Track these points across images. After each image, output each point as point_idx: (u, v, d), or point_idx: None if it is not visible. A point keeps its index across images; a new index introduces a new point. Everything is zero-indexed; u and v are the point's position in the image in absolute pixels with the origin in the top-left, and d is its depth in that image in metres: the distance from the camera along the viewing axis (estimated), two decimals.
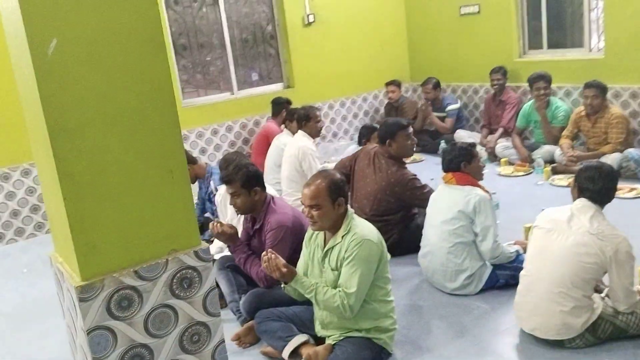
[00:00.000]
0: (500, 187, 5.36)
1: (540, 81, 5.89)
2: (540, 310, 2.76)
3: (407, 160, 6.63)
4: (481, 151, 6.31)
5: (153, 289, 1.80)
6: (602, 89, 5.39)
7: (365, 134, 5.01)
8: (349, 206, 2.85)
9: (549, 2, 6.57)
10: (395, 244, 4.12)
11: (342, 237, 2.76)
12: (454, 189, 3.55)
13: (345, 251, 2.72)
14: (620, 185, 4.75)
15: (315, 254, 2.91)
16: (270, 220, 3.24)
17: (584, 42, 6.32)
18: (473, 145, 3.71)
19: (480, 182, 3.65)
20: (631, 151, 5.22)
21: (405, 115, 7.50)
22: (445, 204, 3.55)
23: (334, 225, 2.79)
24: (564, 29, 6.74)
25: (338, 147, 7.19)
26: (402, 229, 4.18)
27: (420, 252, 3.75)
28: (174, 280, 1.84)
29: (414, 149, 4.43)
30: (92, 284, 1.71)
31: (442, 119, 7.05)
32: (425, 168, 6.52)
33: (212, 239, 3.89)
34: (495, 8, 6.90)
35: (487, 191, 3.60)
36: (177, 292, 1.86)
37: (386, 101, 7.86)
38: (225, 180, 3.30)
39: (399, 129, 4.19)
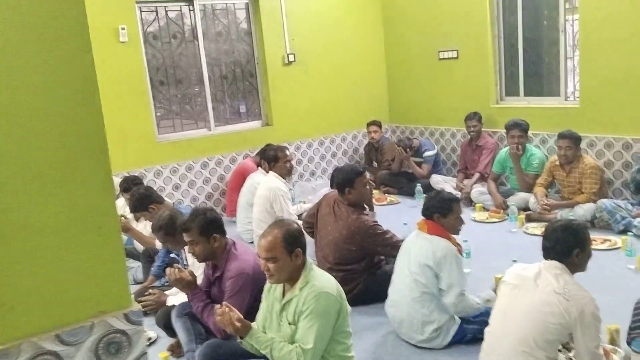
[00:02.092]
0: (474, 233, 5.30)
1: (516, 129, 5.90)
2: None
3: (384, 202, 6.75)
4: (456, 195, 6.27)
5: (76, 355, 1.66)
6: (575, 140, 5.40)
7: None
8: (307, 257, 2.76)
9: (526, 49, 6.65)
10: (361, 293, 4.04)
11: (300, 289, 2.65)
12: (423, 238, 3.49)
13: (303, 304, 2.61)
14: (593, 236, 4.76)
15: (274, 306, 2.79)
16: (231, 268, 3.13)
17: (560, 91, 6.38)
18: (456, 200, 3.60)
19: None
20: (604, 202, 5.20)
21: (385, 157, 7.51)
22: (413, 253, 3.49)
23: (291, 277, 2.69)
24: (541, 77, 6.81)
25: (316, 186, 7.12)
26: (367, 278, 4.08)
27: (387, 300, 3.66)
28: (100, 345, 1.70)
29: (371, 195, 4.39)
30: (7, 349, 1.57)
31: (419, 164, 7.03)
32: (401, 210, 6.48)
33: (167, 284, 3.78)
34: (473, 54, 6.97)
35: (457, 244, 3.54)
36: (103, 358, 1.72)
37: (366, 141, 7.85)
38: (182, 228, 3.20)
39: (356, 176, 4.14)
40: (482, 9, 6.75)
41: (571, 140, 5.38)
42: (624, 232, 4.87)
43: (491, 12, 6.76)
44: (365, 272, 4.09)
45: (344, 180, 4.15)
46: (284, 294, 2.75)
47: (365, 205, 4.30)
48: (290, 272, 2.67)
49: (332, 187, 4.87)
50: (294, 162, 6.21)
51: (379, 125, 7.58)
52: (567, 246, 2.68)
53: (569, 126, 6.00)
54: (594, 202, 5.29)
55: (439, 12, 7.26)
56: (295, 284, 2.69)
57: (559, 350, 2.68)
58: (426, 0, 7.42)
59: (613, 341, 3.14)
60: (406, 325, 3.47)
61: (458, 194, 6.35)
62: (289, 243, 2.64)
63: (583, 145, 5.94)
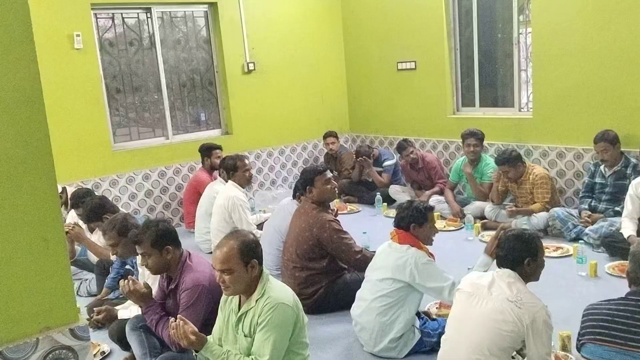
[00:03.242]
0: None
1: (472, 138, 6.01)
2: None
3: (344, 210, 6.77)
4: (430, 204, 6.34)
5: None
6: (512, 161, 5.47)
7: (300, 187, 4.93)
8: (264, 267, 2.74)
9: (482, 61, 6.80)
10: (321, 299, 4.06)
11: (256, 301, 2.63)
12: (393, 248, 3.50)
13: (259, 316, 2.59)
14: (546, 244, 4.87)
15: (230, 318, 2.76)
16: (186, 279, 3.07)
17: (514, 102, 6.54)
18: (431, 209, 3.62)
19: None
20: (557, 210, 5.33)
21: (344, 166, 7.55)
22: (383, 262, 3.51)
23: (247, 288, 2.66)
24: (496, 88, 6.97)
25: (276, 195, 7.11)
26: (328, 284, 4.10)
27: (354, 304, 3.65)
28: None
29: (336, 193, 4.47)
30: None
31: (379, 173, 7.09)
32: (361, 219, 6.52)
33: (121, 296, 3.70)
34: (431, 65, 7.08)
35: (430, 254, 3.54)
36: None
37: (325, 151, 7.88)
38: (134, 240, 3.13)
39: (316, 174, 4.23)
40: (439, 22, 6.88)
41: (507, 165, 5.47)
42: (575, 239, 5.00)
43: (448, 25, 6.89)
44: (327, 275, 4.10)
45: (305, 180, 4.27)
46: (240, 306, 2.72)
47: (329, 206, 4.38)
48: (247, 284, 2.65)
49: (294, 196, 4.89)
50: (253, 171, 6.19)
51: (336, 136, 7.63)
52: (519, 255, 2.73)
53: (523, 137, 6.18)
54: (547, 210, 5.42)
55: (397, 24, 7.36)
56: (251, 295, 2.66)
57: (512, 357, 2.72)
58: (385, 12, 7.52)
59: (565, 347, 3.21)
60: (367, 332, 3.48)
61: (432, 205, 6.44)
62: (244, 254, 2.61)
63: (536, 155, 6.12)
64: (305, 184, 4.26)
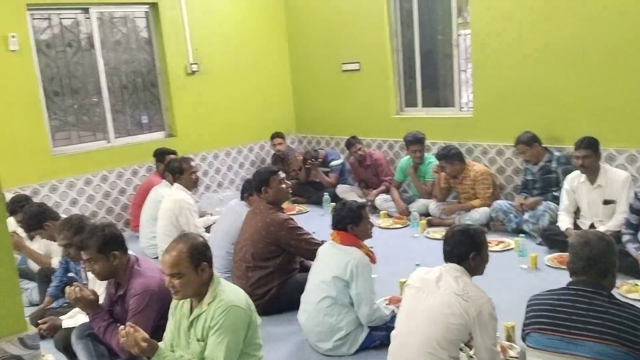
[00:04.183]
0: (378, 240, 5.43)
1: (416, 144, 6.16)
2: None
3: (293, 211, 6.78)
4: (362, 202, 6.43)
5: None
6: (450, 157, 5.68)
7: (248, 188, 4.92)
8: (214, 270, 2.72)
9: (423, 62, 6.95)
10: (274, 300, 4.08)
11: (208, 304, 2.61)
12: (336, 249, 3.56)
13: (211, 320, 2.57)
14: (488, 239, 5.03)
15: (181, 323, 2.73)
16: (134, 285, 3.01)
17: (455, 102, 6.72)
18: (363, 206, 3.72)
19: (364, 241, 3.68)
20: (499, 202, 5.56)
21: (292, 167, 7.56)
22: (326, 263, 3.56)
23: (198, 292, 2.63)
24: (437, 89, 7.15)
25: (223, 198, 7.03)
26: (280, 284, 4.12)
27: (300, 309, 3.69)
28: None
29: (289, 193, 4.54)
30: None
31: (326, 173, 7.14)
32: (310, 219, 6.54)
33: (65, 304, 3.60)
34: (374, 66, 7.19)
35: (370, 252, 3.64)
36: None
37: (272, 152, 7.87)
38: (78, 246, 3.05)
39: (270, 174, 4.28)
40: (382, 23, 6.99)
41: (446, 161, 5.71)
42: (517, 232, 5.19)
43: (390, 26, 7.01)
44: (280, 275, 4.12)
45: (260, 180, 4.28)
46: (191, 310, 2.69)
47: (282, 205, 4.42)
48: (197, 288, 2.62)
49: (242, 198, 4.87)
50: (199, 174, 6.12)
51: (282, 136, 7.64)
52: (464, 249, 2.82)
53: (464, 135, 6.36)
54: (489, 206, 5.62)
55: (341, 25, 7.43)
56: (202, 299, 2.64)
57: (460, 349, 2.81)
58: (329, 14, 7.58)
59: (509, 338, 3.33)
60: (315, 333, 3.52)
61: (363, 201, 6.53)
62: (194, 257, 2.58)
63: (477, 152, 6.32)
64: (260, 184, 4.27)
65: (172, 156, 6.14)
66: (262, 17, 7.93)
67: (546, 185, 5.37)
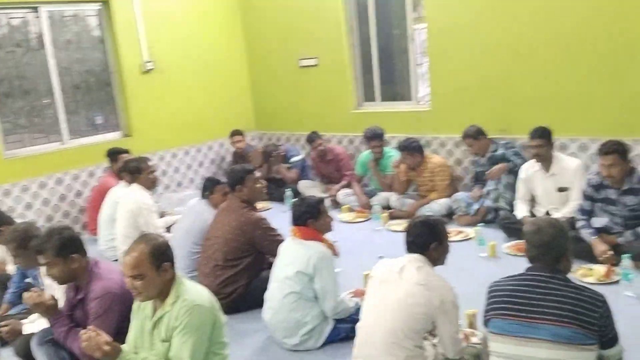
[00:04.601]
0: (341, 234, 5.47)
1: (375, 140, 6.22)
2: None
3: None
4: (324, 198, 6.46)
5: None
6: (411, 149, 5.79)
7: (208, 187, 4.88)
8: (177, 270, 2.69)
9: (380, 57, 7.01)
10: (240, 298, 4.06)
11: (172, 304, 2.57)
12: (298, 244, 3.57)
13: (175, 320, 2.54)
14: (448, 229, 5.12)
15: (145, 325, 2.69)
16: (95, 288, 2.95)
17: (412, 95, 6.81)
18: (321, 201, 3.75)
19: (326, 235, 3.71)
20: (459, 194, 5.68)
21: (252, 164, 7.49)
22: (288, 260, 3.56)
23: (161, 293, 2.60)
24: (394, 83, 7.22)
25: (183, 197, 6.94)
26: (247, 283, 4.10)
27: (264, 307, 3.68)
28: None
29: (264, 192, 4.57)
30: None
31: (288, 169, 7.14)
32: (272, 216, 6.48)
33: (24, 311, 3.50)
34: (332, 62, 7.21)
35: (331, 245, 3.67)
36: None
37: (233, 150, 7.80)
38: (36, 250, 2.97)
39: (246, 173, 4.27)
40: (338, 19, 7.02)
41: (407, 152, 5.80)
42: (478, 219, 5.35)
43: (347, 22, 7.04)
44: (248, 274, 4.11)
45: (235, 178, 4.27)
46: (154, 311, 2.66)
47: (255, 205, 4.41)
48: (160, 288, 2.59)
49: (203, 197, 4.82)
50: (158, 173, 6.03)
51: (242, 134, 7.59)
52: (425, 240, 2.87)
53: (422, 129, 6.45)
54: (448, 197, 5.73)
55: (298, 21, 7.42)
56: (165, 299, 2.60)
57: (424, 338, 2.85)
58: (285, 9, 7.55)
59: (472, 325, 3.40)
60: (281, 330, 3.52)
61: (325, 196, 6.56)
62: (155, 258, 2.55)
63: (435, 145, 6.41)
64: (235, 182, 4.26)
65: (125, 155, 6.03)
66: (218, 13, 7.86)
67: None
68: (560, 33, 5.32)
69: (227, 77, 8.00)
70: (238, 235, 4.09)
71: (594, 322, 2.23)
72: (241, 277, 4.09)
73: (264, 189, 4.49)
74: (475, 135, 5.57)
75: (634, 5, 4.90)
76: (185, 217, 4.88)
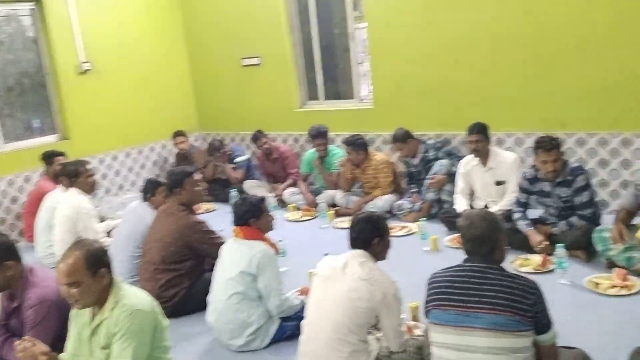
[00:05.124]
0: (288, 233, 5.50)
1: (319, 138, 6.25)
2: (322, 359, 2.80)
3: (199, 210, 6.66)
4: (269, 198, 6.44)
5: None
6: (357, 146, 5.83)
7: (150, 189, 4.79)
8: (117, 275, 2.63)
9: (323, 56, 7.05)
10: (183, 301, 4.01)
11: (111, 310, 2.51)
12: (240, 244, 3.55)
13: (115, 326, 2.48)
14: (392, 225, 5.20)
15: (83, 332, 2.61)
16: (31, 296, 2.85)
17: (355, 94, 6.88)
18: (262, 200, 3.76)
19: (268, 234, 3.71)
20: (401, 201, 5.75)
21: (196, 164, 7.40)
22: (231, 260, 3.54)
23: (98, 299, 2.53)
24: (337, 82, 7.28)
25: (125, 201, 6.78)
26: (190, 285, 4.05)
27: (208, 309, 3.64)
28: None
29: (204, 194, 4.55)
30: None
31: (233, 169, 7.08)
32: (217, 217, 6.45)
33: None
34: (275, 60, 7.20)
35: (273, 244, 3.67)
36: None
37: (176, 151, 7.68)
38: None
39: (185, 176, 4.21)
40: (280, 18, 7.02)
41: (352, 147, 5.85)
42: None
43: (288, 21, 7.05)
44: (189, 276, 4.06)
45: (174, 181, 4.20)
46: (93, 317, 2.59)
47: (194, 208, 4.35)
48: (97, 295, 2.52)
49: (144, 199, 4.72)
50: (97, 177, 5.87)
51: (185, 135, 7.48)
52: (368, 235, 2.92)
53: (365, 126, 6.53)
54: (392, 193, 5.82)
55: (240, 21, 7.37)
56: (104, 305, 2.54)
57: (369, 332, 2.89)
58: (227, 9, 7.49)
59: (415, 317, 3.47)
60: (226, 332, 3.50)
61: (271, 196, 6.56)
62: (91, 264, 2.47)
63: (378, 142, 6.51)
64: (174, 185, 4.19)
65: (60, 158, 5.84)
66: (158, 13, 7.73)
67: (428, 175, 5.60)
68: (495, 33, 5.49)
69: (168, 77, 7.87)
70: (176, 240, 4.02)
71: (528, 308, 2.31)
72: (183, 280, 4.04)
73: (204, 192, 4.45)
74: (403, 139, 5.65)
75: (561, 10, 5.12)
76: (125, 220, 4.78)
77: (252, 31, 7.29)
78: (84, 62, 6.87)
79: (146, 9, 7.59)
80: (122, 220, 4.91)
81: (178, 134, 7.44)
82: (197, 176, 4.31)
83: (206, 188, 4.44)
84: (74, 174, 5.00)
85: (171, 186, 4.22)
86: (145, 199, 4.73)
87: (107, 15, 7.14)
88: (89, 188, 5.09)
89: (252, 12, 7.24)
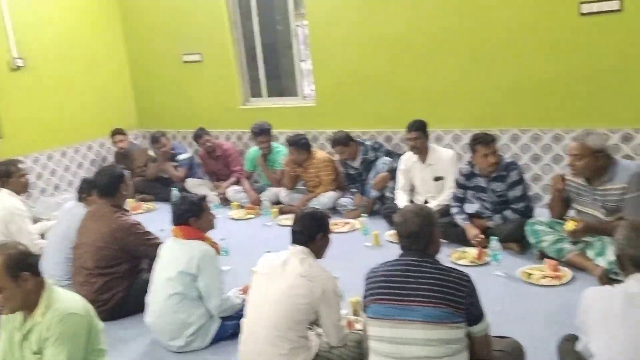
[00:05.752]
0: (231, 231, 5.48)
1: (262, 135, 6.21)
2: (262, 357, 2.80)
3: (140, 210, 6.53)
4: (213, 196, 6.39)
5: None
6: (299, 146, 5.84)
7: (85, 189, 4.64)
8: (45, 278, 2.54)
9: (265, 53, 7.02)
10: (121, 302, 3.92)
11: (42, 315, 2.43)
12: (180, 244, 3.50)
13: (47, 330, 2.40)
14: (336, 221, 5.25)
15: (14, 337, 2.52)
16: None
17: (298, 91, 6.89)
18: (203, 198, 3.71)
19: (209, 233, 3.67)
20: (343, 199, 5.78)
21: (137, 164, 7.26)
22: (170, 260, 3.48)
23: (26, 304, 2.45)
24: (280, 79, 7.27)
25: (61, 201, 6.56)
26: (127, 286, 3.96)
27: (147, 310, 3.58)
28: None
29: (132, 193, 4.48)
30: None
31: (175, 167, 6.97)
32: (158, 217, 6.33)
33: None
34: (216, 57, 7.13)
35: (214, 243, 3.64)
36: None
37: (115, 149, 7.48)
38: None
39: (121, 181, 4.12)
40: (221, 14, 6.95)
41: (294, 147, 5.85)
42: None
43: (229, 17, 6.99)
44: (126, 279, 3.96)
45: (108, 185, 4.07)
46: (24, 322, 2.50)
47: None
48: (22, 300, 2.43)
49: (79, 199, 4.59)
50: (32, 177, 5.66)
51: (124, 133, 7.29)
52: (312, 231, 2.95)
53: (308, 124, 6.55)
54: (334, 190, 5.87)
55: (180, 16, 7.25)
56: (34, 309, 2.46)
57: (309, 329, 2.91)
58: (167, 4, 7.35)
59: (356, 312, 3.51)
60: (165, 333, 3.45)
61: (214, 194, 6.50)
62: (11, 268, 2.38)
63: (322, 140, 6.55)
64: (109, 190, 4.06)
65: None
66: (93, 7, 7.50)
67: (370, 177, 5.65)
68: (432, 32, 5.62)
69: (106, 74, 7.66)
70: (110, 243, 3.91)
71: (461, 300, 2.38)
72: (119, 283, 3.94)
73: (132, 190, 4.40)
74: (345, 142, 5.64)
75: (495, 11, 5.28)
76: (60, 221, 4.62)
77: (193, 27, 7.18)
78: (17, 58, 6.59)
79: (82, 3, 7.35)
80: (57, 222, 4.76)
81: (116, 132, 7.24)
82: (126, 176, 4.24)
83: (132, 185, 4.39)
84: (5, 174, 4.81)
85: (104, 189, 4.08)
86: (80, 199, 4.60)
87: (41, 10, 6.87)
88: (21, 188, 4.91)
89: (192, 7, 7.14)
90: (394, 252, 4.46)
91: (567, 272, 3.92)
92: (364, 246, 4.90)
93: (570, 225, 3.88)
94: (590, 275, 3.83)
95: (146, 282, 3.70)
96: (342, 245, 4.74)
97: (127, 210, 4.27)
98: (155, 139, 6.95)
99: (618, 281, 2.28)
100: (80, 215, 4.24)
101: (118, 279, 3.94)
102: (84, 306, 2.55)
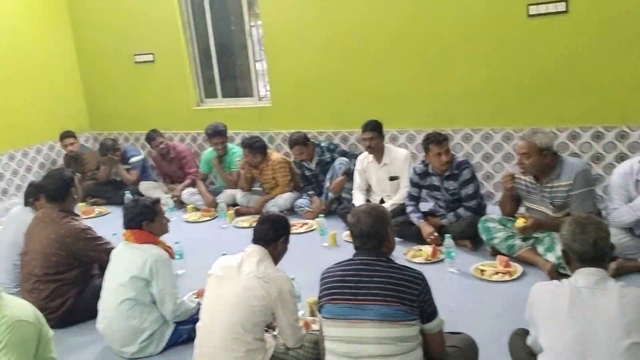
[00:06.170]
0: (186, 234, 5.40)
1: (217, 136, 6.13)
2: (218, 359, 2.78)
3: (92, 214, 6.37)
4: (167, 199, 6.29)
5: None
6: (254, 148, 5.78)
7: (32, 193, 4.50)
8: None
9: (219, 53, 6.96)
10: (71, 309, 3.82)
11: None
12: (132, 248, 3.43)
13: None
14: (294, 222, 5.24)
15: None
16: None
17: (254, 92, 6.85)
18: (157, 201, 3.65)
19: (163, 237, 3.62)
20: (300, 200, 5.77)
21: (88, 167, 7.08)
22: (122, 265, 3.41)
23: None
24: (235, 79, 7.22)
25: (9, 206, 6.35)
26: (78, 293, 3.85)
27: (98, 317, 3.49)
28: None
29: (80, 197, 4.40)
30: None
31: (127, 170, 6.82)
32: (111, 221, 6.19)
33: None
34: (169, 58, 7.02)
35: (167, 247, 3.59)
36: None
37: (64, 152, 7.28)
38: None
39: (71, 185, 4.01)
40: (173, 13, 6.86)
41: (250, 149, 5.78)
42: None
43: (182, 17, 6.90)
44: (76, 285, 3.86)
45: (57, 190, 3.96)
46: None
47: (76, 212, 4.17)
48: None
49: (26, 204, 4.45)
50: None
51: (74, 135, 7.09)
52: (278, 233, 2.97)
53: (264, 124, 6.53)
54: (291, 191, 5.86)
55: (132, 16, 7.12)
56: None
57: (265, 330, 2.90)
58: (117, 3, 7.20)
59: (313, 312, 3.51)
60: (118, 339, 3.38)
61: (168, 196, 6.40)
62: None
63: (278, 140, 6.53)
64: (59, 195, 3.95)
65: None
66: (42, 6, 7.28)
67: (325, 179, 5.68)
68: (387, 34, 5.68)
69: (55, 74, 7.46)
70: (58, 249, 3.80)
71: (414, 298, 2.40)
72: (69, 289, 3.83)
73: (82, 194, 4.29)
74: (304, 142, 5.63)
75: (447, 12, 5.38)
76: (7, 227, 4.47)
77: (145, 27, 7.06)
78: None
79: (29, 3, 7.13)
80: (4, 227, 4.60)
81: (66, 135, 7.02)
82: (77, 180, 4.18)
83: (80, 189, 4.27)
84: None
85: (54, 195, 3.97)
86: (27, 204, 4.45)
87: None
88: None
89: (144, 6, 7.01)
90: (351, 252, 4.49)
91: (518, 268, 4.02)
92: (321, 246, 4.92)
93: (520, 222, 3.99)
94: (541, 270, 3.94)
95: (98, 288, 3.61)
96: (300, 245, 4.70)
97: (78, 215, 4.17)
98: (105, 149, 6.76)
99: (567, 276, 2.33)
100: (28, 221, 4.10)
101: (68, 285, 3.83)
102: (33, 313, 2.49)
